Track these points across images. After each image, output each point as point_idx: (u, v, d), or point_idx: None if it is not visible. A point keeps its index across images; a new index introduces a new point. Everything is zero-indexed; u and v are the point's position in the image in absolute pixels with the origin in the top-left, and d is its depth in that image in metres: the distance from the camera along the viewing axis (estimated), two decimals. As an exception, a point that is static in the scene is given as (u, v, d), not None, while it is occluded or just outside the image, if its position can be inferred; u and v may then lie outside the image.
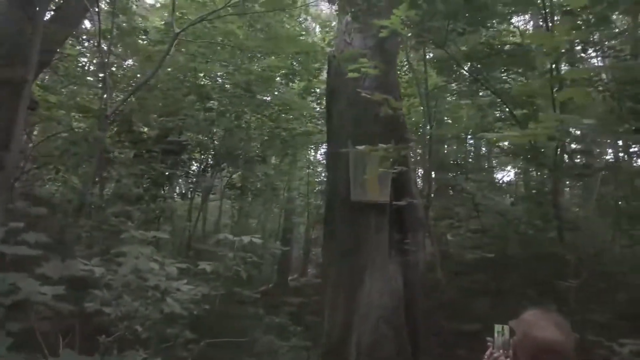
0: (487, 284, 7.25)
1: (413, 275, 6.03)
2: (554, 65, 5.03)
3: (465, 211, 7.41)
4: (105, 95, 6.09)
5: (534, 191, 11.09)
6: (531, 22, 13.65)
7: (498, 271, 6.96)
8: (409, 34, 5.55)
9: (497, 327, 2.03)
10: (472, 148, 13.35)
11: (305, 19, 14.68)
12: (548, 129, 1.93)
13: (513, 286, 6.57)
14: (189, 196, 10.48)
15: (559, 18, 6.51)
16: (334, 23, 16.12)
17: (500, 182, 12.78)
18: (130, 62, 9.70)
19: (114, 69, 7.93)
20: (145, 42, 8.34)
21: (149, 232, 3.32)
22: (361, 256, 5.63)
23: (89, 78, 9.08)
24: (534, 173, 12.74)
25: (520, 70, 8.22)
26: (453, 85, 9.79)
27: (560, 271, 5.08)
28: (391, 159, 4.64)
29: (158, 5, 10.92)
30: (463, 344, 5.70)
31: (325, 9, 24.44)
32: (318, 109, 12.62)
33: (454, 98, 10.92)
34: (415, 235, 6.15)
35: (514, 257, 6.37)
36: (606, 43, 7.35)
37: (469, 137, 11.91)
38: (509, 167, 14.50)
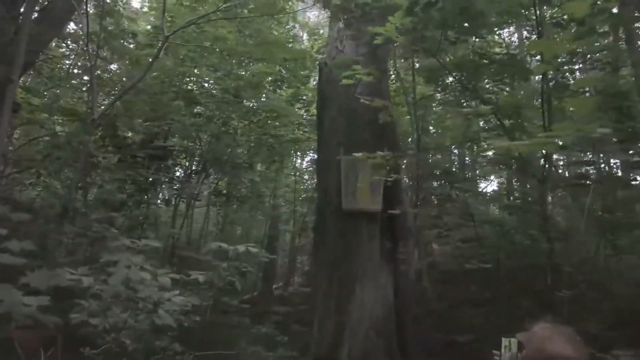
0: (476, 294, 7.24)
1: (404, 284, 5.98)
2: (549, 75, 5.05)
3: (454, 220, 7.39)
4: (91, 98, 5.92)
5: (518, 201, 11.21)
6: (516, 35, 13.90)
7: (490, 281, 6.95)
8: (402, 42, 5.55)
9: (505, 341, 1.99)
10: (456, 158, 13.46)
11: (294, 27, 14.67)
12: (564, 138, 1.89)
13: (503, 296, 6.56)
14: (174, 203, 10.29)
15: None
16: (322, 31, 16.19)
17: (485, 192, 12.89)
18: (116, 66, 9.55)
19: (99, 72, 7.74)
20: (133, 45, 8.20)
21: (139, 240, 3.19)
22: (352, 265, 5.55)
23: (74, 81, 8.89)
24: (517, 183, 12.90)
25: (507, 81, 8.33)
26: (439, 95, 9.87)
27: (553, 281, 5.07)
28: (388, 167, 4.58)
29: (145, 9, 10.80)
30: (454, 354, 5.66)
31: (313, 17, 24.54)
32: (306, 116, 12.59)
33: (440, 108, 11.01)
34: (406, 244, 6.11)
35: (506, 266, 6.36)
36: (592, 55, 7.50)
37: (453, 146, 12.01)
38: (492, 177, 14.68)
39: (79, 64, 9.12)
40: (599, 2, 2.83)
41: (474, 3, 4.14)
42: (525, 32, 12.46)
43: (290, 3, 6.46)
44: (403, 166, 7.33)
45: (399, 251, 6.01)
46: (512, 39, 13.88)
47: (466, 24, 4.74)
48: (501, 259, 6.74)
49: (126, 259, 2.78)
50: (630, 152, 8.52)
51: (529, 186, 10.97)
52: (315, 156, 14.98)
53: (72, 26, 9.40)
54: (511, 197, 12.66)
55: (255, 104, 10.24)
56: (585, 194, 7.88)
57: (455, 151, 12.78)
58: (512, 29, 12.57)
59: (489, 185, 14.68)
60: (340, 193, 5.80)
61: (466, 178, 10.54)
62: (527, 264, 6.00)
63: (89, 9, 7.28)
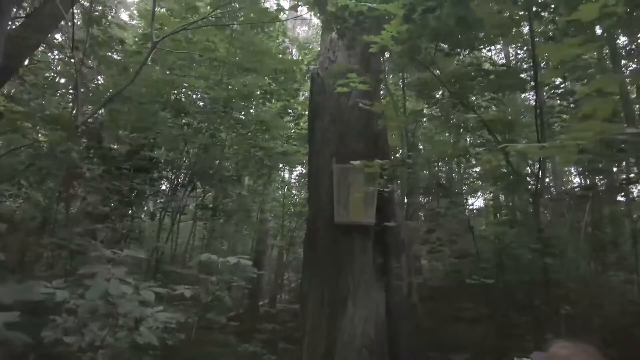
0: (469, 310, 7.09)
1: (396, 301, 5.79)
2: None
3: (447, 235, 7.28)
4: (75, 106, 5.70)
5: (505, 217, 11.17)
6: (502, 53, 14.06)
7: (484, 297, 6.81)
8: (396, 53, 5.48)
9: (517, 363, 1.84)
10: (444, 174, 13.45)
11: (283, 41, 14.66)
12: (589, 136, 1.76)
13: (498, 313, 6.41)
14: (159, 216, 10.01)
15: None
16: (312, 45, 16.21)
17: (472, 207, 12.85)
18: (101, 77, 9.35)
19: (85, 81, 7.54)
20: (120, 53, 8.01)
21: (121, 251, 2.97)
22: (344, 281, 5.35)
23: (59, 92, 8.67)
24: (505, 199, 12.89)
25: (497, 96, 8.32)
26: (429, 109, 9.85)
27: (549, 298, 4.95)
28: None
29: (135, 21, 10.67)
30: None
31: (302, 32, 24.70)
32: (294, 130, 12.50)
33: (430, 122, 10.99)
34: (399, 259, 5.94)
35: (503, 282, 6.22)
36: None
37: (440, 163, 12.00)
38: (479, 193, 14.70)
39: (65, 72, 8.90)
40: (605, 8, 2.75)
41: (473, 11, 4.07)
42: (511, 50, 12.67)
43: (281, 13, 6.35)
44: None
45: (391, 266, 5.84)
46: (499, 56, 14.06)
47: (462, 35, 4.66)
48: (498, 274, 6.61)
49: (106, 271, 2.56)
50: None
51: (518, 201, 11.00)
52: (304, 170, 14.92)
53: (58, 37, 9.24)
54: (498, 214, 12.67)
55: (243, 117, 10.09)
56: (582, 208, 7.86)
57: (442, 167, 12.81)
58: (499, 47, 12.73)
59: (475, 201, 14.71)
60: (332, 205, 5.63)
61: (455, 193, 10.46)
62: (524, 280, 5.86)
63: (75, 16, 7.12)
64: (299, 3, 6.58)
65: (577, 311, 6.12)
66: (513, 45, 11.11)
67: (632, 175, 8.61)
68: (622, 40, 8.03)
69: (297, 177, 16.75)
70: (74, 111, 5.98)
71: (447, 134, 12.52)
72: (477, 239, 8.77)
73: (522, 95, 11.69)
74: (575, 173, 15.00)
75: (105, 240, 6.81)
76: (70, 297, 2.52)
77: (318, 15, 5.79)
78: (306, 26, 26.70)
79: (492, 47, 11.06)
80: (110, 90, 8.34)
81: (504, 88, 5.87)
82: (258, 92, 8.84)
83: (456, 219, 7.30)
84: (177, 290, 3.11)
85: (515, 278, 6.22)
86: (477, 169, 12.77)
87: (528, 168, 8.86)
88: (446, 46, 5.44)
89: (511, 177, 7.97)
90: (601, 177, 10.58)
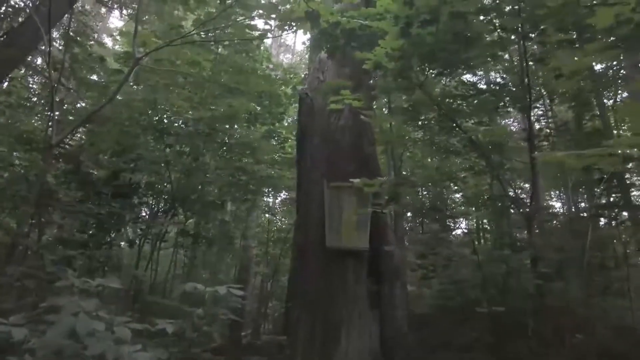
0: (464, 338, 6.79)
1: (390, 331, 5.47)
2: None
3: (441, 260, 7.02)
4: (51, 126, 5.36)
5: (499, 241, 10.99)
6: (483, 80, 14.22)
7: (477, 324, 6.53)
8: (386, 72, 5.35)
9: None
10: (428, 198, 13.31)
11: (268, 67, 14.63)
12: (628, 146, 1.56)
13: (494, 339, 6.13)
14: (138, 243, 9.56)
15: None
16: (296, 71, 16.20)
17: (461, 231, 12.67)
18: (81, 100, 9.06)
19: (64, 105, 7.23)
20: (101, 72, 7.73)
21: (92, 280, 2.62)
22: (337, 310, 5.02)
23: (38, 115, 8.33)
24: (489, 223, 12.75)
25: (484, 119, 8.27)
26: (417, 132, 9.77)
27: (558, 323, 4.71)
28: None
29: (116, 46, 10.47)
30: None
31: (286, 59, 24.84)
32: (279, 154, 12.26)
33: (415, 146, 10.90)
34: (392, 286, 5.65)
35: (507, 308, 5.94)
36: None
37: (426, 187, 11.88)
38: (461, 219, 14.56)
39: (43, 94, 8.57)
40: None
41: (472, 25, 3.94)
42: (492, 74, 12.81)
43: (267, 34, 6.20)
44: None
45: (386, 294, 5.54)
46: (481, 83, 14.20)
47: (457, 53, 4.53)
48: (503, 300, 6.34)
49: (74, 304, 2.22)
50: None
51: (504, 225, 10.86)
52: (289, 195, 14.63)
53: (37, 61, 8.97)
54: (482, 239, 12.52)
55: (227, 139, 9.84)
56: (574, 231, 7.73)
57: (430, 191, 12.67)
58: (480, 72, 12.86)
59: (458, 227, 14.54)
60: (322, 229, 5.36)
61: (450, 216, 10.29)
62: (525, 306, 5.62)
63: (55, 37, 6.87)
64: (285, 26, 6.41)
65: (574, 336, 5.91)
66: (498, 68, 11.22)
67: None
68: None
69: (281, 203, 16.45)
70: (49, 131, 5.64)
71: (432, 159, 12.47)
72: (465, 264, 8.57)
73: (503, 122, 11.75)
74: (555, 197, 15.09)
75: (81, 269, 6.38)
76: (30, 335, 2.18)
77: (309, 32, 5.65)
78: (290, 53, 26.94)
79: (475, 72, 11.10)
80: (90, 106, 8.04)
81: (499, 107, 5.74)
82: (243, 115, 8.61)
83: (447, 244, 7.06)
84: (158, 325, 2.75)
85: (517, 303, 5.97)
86: (460, 195, 12.72)
87: (511, 192, 8.78)
88: (435, 66, 5.34)
89: (504, 199, 7.84)
90: (583, 200, 10.60)
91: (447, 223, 10.70)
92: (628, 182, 9.35)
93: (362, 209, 5.10)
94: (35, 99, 8.93)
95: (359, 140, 5.96)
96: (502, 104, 5.89)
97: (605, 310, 7.45)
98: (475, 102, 5.87)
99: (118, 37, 13.81)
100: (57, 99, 6.13)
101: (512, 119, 14.35)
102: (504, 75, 8.98)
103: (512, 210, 9.55)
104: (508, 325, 6.11)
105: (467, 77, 10.40)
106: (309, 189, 5.83)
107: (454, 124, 6.66)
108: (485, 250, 9.11)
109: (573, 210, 11.92)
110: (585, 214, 7.17)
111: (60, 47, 8.04)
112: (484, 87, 7.84)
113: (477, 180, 9.81)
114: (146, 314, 5.22)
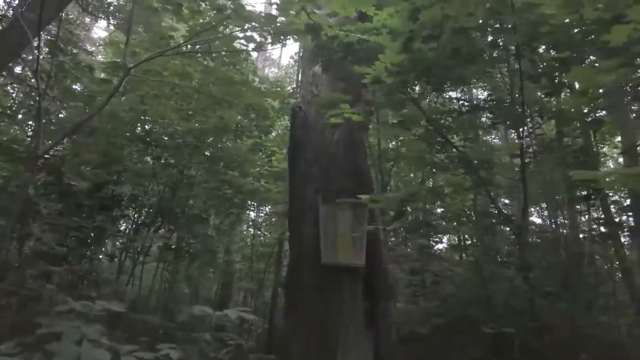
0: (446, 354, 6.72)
1: (385, 350, 5.34)
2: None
3: (431, 277, 6.97)
4: (36, 136, 5.15)
5: (470, 259, 11.00)
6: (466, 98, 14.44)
7: (469, 342, 6.47)
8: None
9: None
10: (412, 214, 13.31)
11: (254, 80, 14.58)
12: None
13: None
14: (120, 257, 9.27)
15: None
16: (285, 85, 16.17)
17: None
18: (64, 110, 8.81)
19: (47, 112, 6.98)
20: (88, 82, 7.52)
21: (93, 303, 2.44)
22: (333, 330, 4.87)
23: (26, 125, 8.05)
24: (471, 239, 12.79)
25: (470, 136, 8.33)
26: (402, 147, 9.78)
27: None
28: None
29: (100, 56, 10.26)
30: None
31: (271, 73, 24.84)
32: (266, 167, 12.13)
33: (403, 161, 10.91)
34: (387, 304, 5.54)
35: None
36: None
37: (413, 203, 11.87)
38: (441, 236, 14.58)
39: (25, 103, 8.31)
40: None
41: (473, 41, 3.94)
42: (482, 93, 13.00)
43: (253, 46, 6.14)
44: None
45: (381, 312, 5.42)
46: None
47: (455, 69, 4.53)
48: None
49: (75, 331, 2.04)
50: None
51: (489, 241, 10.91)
52: (275, 209, 14.43)
53: (18, 70, 8.71)
54: (463, 255, 12.55)
55: (213, 151, 9.68)
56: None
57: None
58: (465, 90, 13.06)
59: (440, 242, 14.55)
60: (317, 246, 5.23)
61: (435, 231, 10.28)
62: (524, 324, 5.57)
63: (41, 45, 6.67)
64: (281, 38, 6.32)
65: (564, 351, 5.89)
66: (485, 85, 11.39)
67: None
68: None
69: (266, 217, 16.24)
70: (34, 142, 5.42)
71: (417, 174, 12.52)
72: (453, 280, 8.53)
73: (485, 138, 11.90)
74: (536, 215, 15.25)
75: (61, 284, 6.12)
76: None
77: (304, 45, 5.59)
78: (275, 67, 26.96)
79: (469, 88, 11.24)
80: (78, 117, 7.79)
81: (495, 124, 5.76)
82: (235, 126, 8.51)
83: (439, 260, 7.02)
84: (161, 350, 2.56)
85: (513, 321, 5.92)
86: (442, 210, 12.75)
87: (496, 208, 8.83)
88: (432, 82, 5.34)
89: (493, 215, 7.86)
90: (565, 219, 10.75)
91: (432, 239, 10.67)
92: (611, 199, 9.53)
93: (358, 225, 5.01)
94: (16, 107, 8.67)
95: (353, 154, 5.89)
96: (495, 120, 5.91)
97: (595, 326, 7.50)
98: (462, 118, 5.88)
99: (102, 48, 13.61)
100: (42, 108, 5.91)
101: (493, 136, 14.56)
102: (492, 93, 9.12)
103: (498, 226, 9.62)
104: (503, 343, 6.07)
105: (452, 94, 10.56)
106: (302, 204, 5.71)
107: (445, 140, 6.67)
108: (473, 266, 9.12)
109: (554, 227, 12.08)
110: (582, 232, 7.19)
111: (44, 56, 7.81)
112: (473, 103, 7.91)
113: (463, 195, 9.86)
114: (132, 332, 5.00)
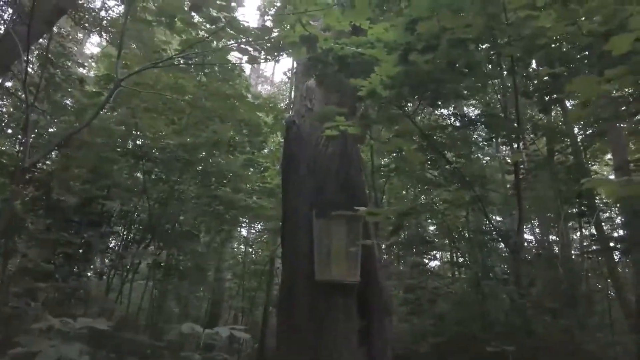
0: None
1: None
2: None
3: (427, 295, 6.85)
4: (23, 148, 5.03)
5: (462, 276, 10.89)
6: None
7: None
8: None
9: None
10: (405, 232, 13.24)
11: (247, 96, 14.54)
12: None
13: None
14: (108, 275, 9.05)
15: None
16: (278, 102, 16.19)
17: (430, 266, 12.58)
18: (53, 124, 8.69)
19: (33, 123, 6.85)
20: (79, 95, 7.41)
21: (74, 320, 2.30)
22: (326, 348, 4.72)
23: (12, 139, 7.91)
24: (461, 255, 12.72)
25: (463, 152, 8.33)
26: (395, 165, 9.75)
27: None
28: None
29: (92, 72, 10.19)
30: None
31: (264, 90, 24.92)
32: (259, 183, 12.03)
33: (397, 177, 10.88)
34: (381, 322, 5.41)
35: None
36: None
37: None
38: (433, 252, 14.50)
39: (14, 115, 8.18)
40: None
41: (471, 54, 3.92)
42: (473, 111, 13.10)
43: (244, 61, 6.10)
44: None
45: (375, 330, 5.28)
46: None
47: (451, 82, 4.50)
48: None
49: (53, 350, 1.89)
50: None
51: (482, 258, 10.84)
52: (267, 226, 14.27)
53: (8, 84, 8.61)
54: (456, 272, 12.46)
55: (207, 167, 9.57)
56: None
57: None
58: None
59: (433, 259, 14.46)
60: (310, 262, 5.11)
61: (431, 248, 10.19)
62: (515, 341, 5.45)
63: (30, 57, 6.57)
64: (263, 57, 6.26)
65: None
66: (475, 102, 11.47)
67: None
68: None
69: (258, 234, 16.07)
70: (22, 152, 5.29)
71: (409, 190, 12.48)
72: (448, 298, 8.40)
73: (478, 154, 11.95)
74: (528, 232, 15.24)
75: (47, 302, 5.92)
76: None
77: (299, 58, 5.56)
78: (268, 84, 27.06)
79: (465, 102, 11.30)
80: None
81: (491, 139, 5.74)
82: (229, 140, 8.42)
83: (435, 277, 6.91)
84: None
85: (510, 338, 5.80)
86: (434, 227, 12.70)
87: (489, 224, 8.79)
88: (427, 96, 5.32)
89: (489, 231, 7.81)
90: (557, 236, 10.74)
91: (425, 256, 10.58)
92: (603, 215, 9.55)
93: (353, 240, 4.91)
94: (6, 120, 8.53)
95: (347, 168, 5.83)
96: (490, 135, 5.89)
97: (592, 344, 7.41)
98: (455, 134, 5.86)
99: (94, 64, 13.55)
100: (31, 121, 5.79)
101: (484, 154, 14.64)
102: (485, 109, 9.17)
103: (492, 243, 9.56)
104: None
105: (444, 111, 10.61)
106: (295, 219, 5.61)
107: (440, 155, 6.64)
108: (470, 283, 9.02)
109: (546, 244, 12.07)
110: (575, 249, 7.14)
111: (35, 69, 7.73)
112: (467, 118, 7.92)
113: (455, 212, 9.81)
114: (121, 352, 4.82)
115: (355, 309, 5.10)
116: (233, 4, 4.89)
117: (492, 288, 6.52)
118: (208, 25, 5.10)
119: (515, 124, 5.09)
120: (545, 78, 5.84)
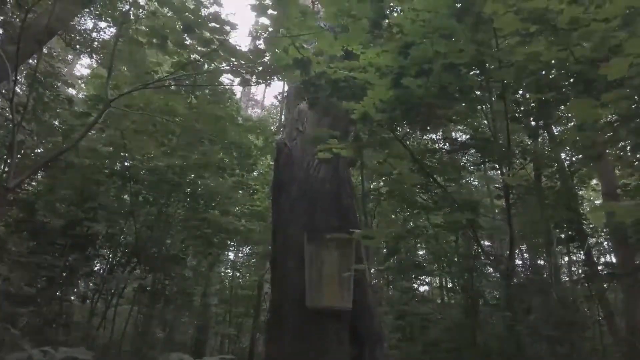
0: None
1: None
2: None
3: (419, 321, 6.74)
4: (9, 168, 4.91)
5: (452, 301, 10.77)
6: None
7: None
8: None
9: None
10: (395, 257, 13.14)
11: (237, 119, 14.53)
12: None
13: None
14: (92, 299, 8.81)
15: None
16: (268, 125, 16.21)
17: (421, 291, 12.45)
18: (40, 146, 8.56)
19: (20, 143, 6.74)
20: (67, 115, 7.33)
21: (55, 350, 2.18)
22: (318, 376, 4.59)
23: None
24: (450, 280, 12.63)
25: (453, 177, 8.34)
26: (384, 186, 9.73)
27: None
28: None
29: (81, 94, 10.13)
30: None
31: (254, 113, 25.00)
32: (248, 206, 11.92)
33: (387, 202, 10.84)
34: (375, 349, 5.27)
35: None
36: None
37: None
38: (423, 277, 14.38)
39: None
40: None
41: (464, 79, 3.94)
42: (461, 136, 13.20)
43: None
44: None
45: (367, 358, 5.14)
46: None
47: (442, 107, 4.53)
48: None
49: None
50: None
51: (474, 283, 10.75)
52: (256, 250, 14.08)
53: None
54: (445, 297, 12.36)
55: (196, 190, 9.46)
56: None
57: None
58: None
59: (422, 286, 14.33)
60: (301, 287, 4.99)
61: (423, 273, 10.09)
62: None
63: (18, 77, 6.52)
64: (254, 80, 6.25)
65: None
66: (464, 128, 11.57)
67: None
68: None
69: (246, 258, 15.84)
70: (5, 174, 5.17)
71: (398, 214, 12.44)
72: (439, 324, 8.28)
73: (467, 179, 11.99)
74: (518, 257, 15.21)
75: (27, 328, 5.70)
76: None
77: (290, 81, 5.57)
78: (259, 108, 27.17)
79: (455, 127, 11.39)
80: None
81: (480, 163, 5.74)
82: (215, 164, 8.34)
83: (428, 303, 6.81)
84: None
85: None
86: (423, 252, 12.63)
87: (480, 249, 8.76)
88: (418, 120, 5.34)
89: (480, 256, 7.76)
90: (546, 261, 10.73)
91: (416, 281, 10.48)
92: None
93: (345, 265, 4.82)
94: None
95: (338, 192, 5.78)
96: (480, 160, 5.91)
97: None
98: (445, 158, 5.86)
99: (83, 85, 13.48)
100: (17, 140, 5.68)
101: (473, 178, 14.70)
102: (473, 134, 9.23)
103: (483, 268, 9.50)
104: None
105: (434, 136, 10.67)
106: (286, 243, 5.51)
107: (431, 179, 6.63)
108: (463, 309, 8.91)
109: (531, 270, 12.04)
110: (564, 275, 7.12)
111: (23, 89, 7.65)
112: (457, 143, 7.97)
113: (446, 237, 9.78)
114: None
115: (346, 336, 4.97)
116: (226, 27, 4.91)
117: (485, 314, 6.42)
118: (200, 48, 5.10)
119: (506, 148, 5.10)
120: (532, 104, 5.91)
